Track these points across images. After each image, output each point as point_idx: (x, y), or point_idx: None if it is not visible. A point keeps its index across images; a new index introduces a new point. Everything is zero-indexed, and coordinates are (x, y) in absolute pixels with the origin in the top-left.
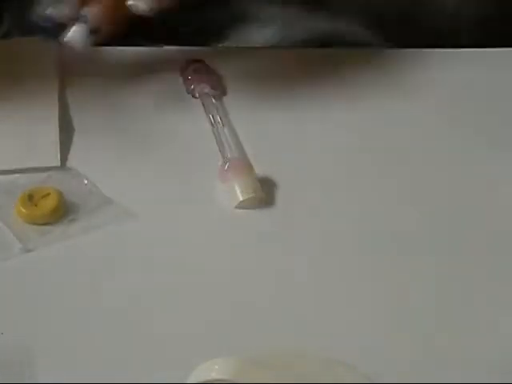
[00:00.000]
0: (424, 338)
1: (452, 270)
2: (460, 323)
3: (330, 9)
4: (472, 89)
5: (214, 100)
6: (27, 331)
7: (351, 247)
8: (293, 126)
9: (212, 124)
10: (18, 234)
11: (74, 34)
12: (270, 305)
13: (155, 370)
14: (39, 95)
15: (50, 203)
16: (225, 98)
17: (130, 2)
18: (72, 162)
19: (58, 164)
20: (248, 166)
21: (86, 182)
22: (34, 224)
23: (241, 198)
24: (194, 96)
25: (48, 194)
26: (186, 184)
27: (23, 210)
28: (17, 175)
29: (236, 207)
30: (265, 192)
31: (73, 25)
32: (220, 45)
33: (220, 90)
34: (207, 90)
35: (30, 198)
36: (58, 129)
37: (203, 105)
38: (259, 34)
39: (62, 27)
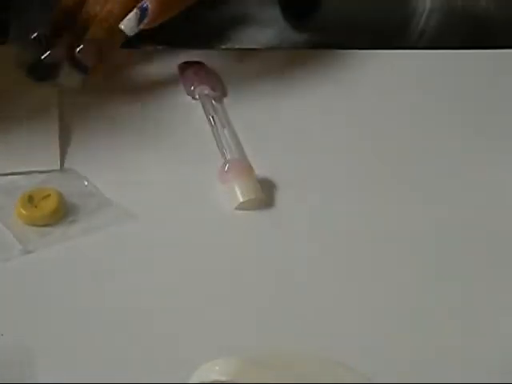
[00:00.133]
0: (424, 338)
1: (452, 270)
2: (460, 323)
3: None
4: (473, 89)
5: (213, 101)
6: (27, 332)
7: (351, 247)
8: (293, 127)
9: (212, 125)
10: (18, 236)
11: (67, 77)
12: (270, 305)
13: (155, 371)
14: (39, 96)
15: (50, 204)
16: (225, 100)
17: (122, 27)
18: (72, 163)
19: (58, 167)
20: (248, 168)
21: (86, 183)
22: (34, 225)
23: (241, 200)
24: (193, 97)
25: (48, 196)
26: (186, 185)
27: (23, 212)
28: (17, 176)
29: (236, 208)
30: (265, 193)
31: (65, 65)
32: (220, 46)
33: (220, 92)
34: (207, 91)
35: (30, 200)
36: (58, 131)
37: (203, 106)
38: (259, 36)
39: (55, 68)
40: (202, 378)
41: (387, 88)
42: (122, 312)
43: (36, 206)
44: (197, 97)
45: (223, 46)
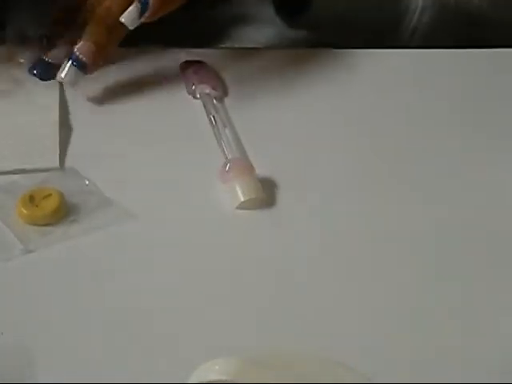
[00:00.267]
0: (424, 338)
1: (452, 270)
2: (460, 323)
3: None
4: (469, 88)
5: (214, 100)
6: (27, 331)
7: (351, 247)
8: (293, 126)
9: (213, 125)
10: (18, 235)
11: (66, 74)
12: (270, 305)
13: (155, 371)
14: (39, 96)
15: (51, 204)
16: (225, 99)
17: (122, 20)
18: (73, 162)
19: (57, 165)
20: (249, 167)
21: (87, 182)
22: (35, 225)
23: (242, 199)
24: (194, 97)
25: (49, 195)
26: (186, 185)
27: (24, 211)
28: (18, 176)
29: (237, 208)
30: (266, 193)
31: (65, 62)
32: (221, 45)
33: (221, 91)
34: (208, 90)
35: (31, 199)
36: (58, 130)
37: (204, 105)
38: (260, 35)
39: (55, 67)
40: (202, 378)
41: (386, 87)
42: (122, 312)
43: (37, 206)
44: (198, 96)
45: (224, 46)
